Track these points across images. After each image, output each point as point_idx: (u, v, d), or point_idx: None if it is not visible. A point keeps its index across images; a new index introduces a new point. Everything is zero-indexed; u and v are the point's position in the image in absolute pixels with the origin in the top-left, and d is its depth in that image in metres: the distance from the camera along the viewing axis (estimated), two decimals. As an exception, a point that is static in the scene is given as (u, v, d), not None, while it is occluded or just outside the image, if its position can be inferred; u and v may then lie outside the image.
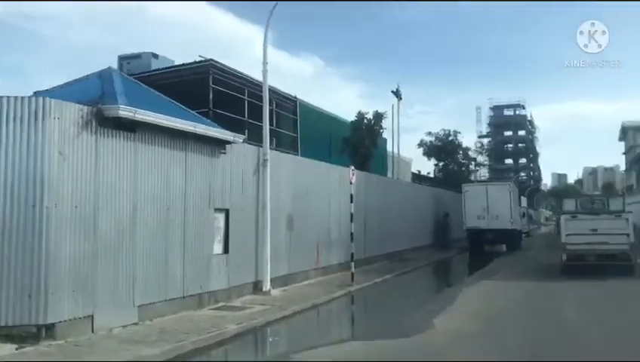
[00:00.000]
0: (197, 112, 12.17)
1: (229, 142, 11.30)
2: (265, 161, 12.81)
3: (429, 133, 42.17)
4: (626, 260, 15.42)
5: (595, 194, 65.25)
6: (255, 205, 12.58)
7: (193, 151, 10.39)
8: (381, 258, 20.37)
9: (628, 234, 15.54)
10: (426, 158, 42.18)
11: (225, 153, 11.32)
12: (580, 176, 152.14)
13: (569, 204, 20.02)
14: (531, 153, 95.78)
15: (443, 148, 41.08)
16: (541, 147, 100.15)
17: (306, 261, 14.91)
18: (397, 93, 29.55)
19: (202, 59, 18.28)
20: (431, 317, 9.78)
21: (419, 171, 44.50)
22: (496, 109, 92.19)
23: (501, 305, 11.27)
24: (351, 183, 14.64)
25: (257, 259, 12.40)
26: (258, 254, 12.42)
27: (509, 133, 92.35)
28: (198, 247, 10.50)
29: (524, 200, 53.89)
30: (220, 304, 10.77)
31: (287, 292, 12.74)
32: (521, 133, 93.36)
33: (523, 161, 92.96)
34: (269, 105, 14.42)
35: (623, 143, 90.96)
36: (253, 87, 18.42)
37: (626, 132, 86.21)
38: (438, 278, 20.21)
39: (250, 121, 18.81)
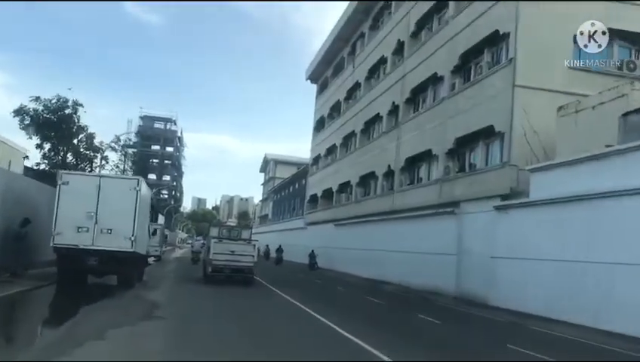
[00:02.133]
0: None
1: None
2: None
3: (36, 99, 27.33)
4: (250, 273, 21.50)
5: (227, 223, 63.56)
6: None
7: None
8: None
9: (253, 256, 21.66)
10: (25, 135, 27.42)
11: None
12: (218, 202, 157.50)
13: (214, 231, 23.66)
14: (176, 172, 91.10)
15: (55, 124, 27.30)
16: (187, 168, 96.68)
17: None
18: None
19: None
20: None
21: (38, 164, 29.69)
22: (147, 120, 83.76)
23: None
24: None
25: None
26: None
27: (157, 147, 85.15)
28: None
29: (161, 219, 45.68)
30: None
31: None
32: (170, 149, 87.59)
33: (167, 178, 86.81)
34: None
35: (263, 175, 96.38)
36: None
37: (267, 163, 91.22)
38: None
39: None
